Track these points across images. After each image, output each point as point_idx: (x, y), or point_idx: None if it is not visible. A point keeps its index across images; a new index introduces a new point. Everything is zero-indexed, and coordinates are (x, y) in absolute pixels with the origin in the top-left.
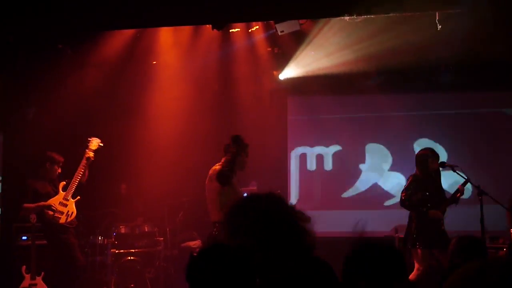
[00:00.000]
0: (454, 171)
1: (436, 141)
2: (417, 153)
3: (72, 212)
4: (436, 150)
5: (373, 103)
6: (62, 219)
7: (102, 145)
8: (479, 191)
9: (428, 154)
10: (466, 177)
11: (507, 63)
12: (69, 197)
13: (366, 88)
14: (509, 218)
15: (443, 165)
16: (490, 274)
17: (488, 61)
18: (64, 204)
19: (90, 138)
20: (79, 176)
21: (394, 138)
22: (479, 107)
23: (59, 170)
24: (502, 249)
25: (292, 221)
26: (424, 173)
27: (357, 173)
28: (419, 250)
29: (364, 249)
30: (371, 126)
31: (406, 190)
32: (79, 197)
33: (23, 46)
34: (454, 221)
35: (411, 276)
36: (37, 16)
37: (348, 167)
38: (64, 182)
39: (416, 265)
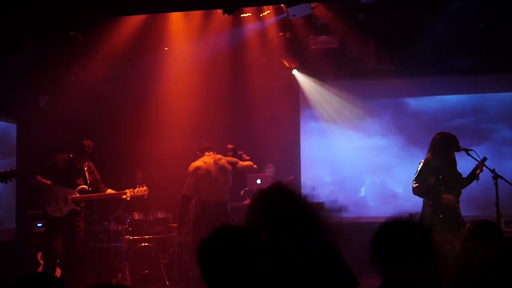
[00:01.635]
0: (469, 154)
1: (449, 124)
2: (438, 136)
3: (62, 212)
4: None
5: (388, 88)
6: (50, 209)
7: (146, 197)
8: (494, 174)
9: (451, 138)
10: (480, 161)
11: None
12: (74, 203)
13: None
14: None
15: (458, 148)
16: None
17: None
18: (66, 202)
19: (143, 185)
20: (99, 197)
21: (410, 123)
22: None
23: (85, 164)
24: None
25: (305, 209)
26: (440, 156)
27: (370, 158)
28: (434, 235)
29: (394, 228)
30: (387, 111)
31: (416, 178)
32: (79, 208)
33: (34, 33)
34: (469, 205)
35: None
36: (48, 3)
37: (361, 152)
38: (86, 187)
39: None
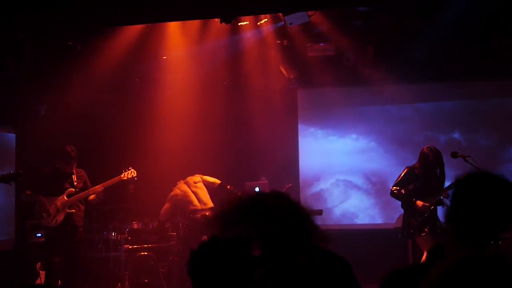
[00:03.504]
0: (466, 161)
1: (445, 130)
2: (426, 151)
3: (57, 221)
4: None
5: (383, 94)
6: (44, 221)
7: (136, 178)
8: None
9: (435, 154)
10: (477, 167)
11: None
12: (66, 207)
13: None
14: None
15: (456, 155)
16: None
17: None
18: (57, 210)
19: (129, 168)
20: (91, 193)
21: (404, 129)
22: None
23: (73, 169)
24: None
25: (297, 214)
26: (424, 168)
27: (368, 165)
28: (422, 237)
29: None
30: (382, 117)
31: (397, 183)
32: (74, 210)
33: (33, 42)
34: None
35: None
36: (47, 13)
37: (359, 159)
38: (73, 190)
39: (425, 253)
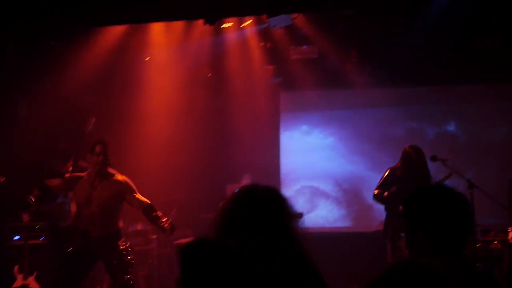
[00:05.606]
0: (445, 164)
1: (425, 133)
2: (407, 149)
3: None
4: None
5: (366, 97)
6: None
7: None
8: (469, 184)
9: (411, 154)
10: (455, 171)
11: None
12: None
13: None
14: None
15: (435, 158)
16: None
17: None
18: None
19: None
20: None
21: (384, 132)
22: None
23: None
24: (493, 242)
25: (282, 215)
26: (406, 168)
27: (350, 169)
28: (399, 242)
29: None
30: (365, 121)
31: (379, 186)
32: None
33: (15, 42)
34: None
35: None
36: (29, 13)
37: (341, 162)
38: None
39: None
